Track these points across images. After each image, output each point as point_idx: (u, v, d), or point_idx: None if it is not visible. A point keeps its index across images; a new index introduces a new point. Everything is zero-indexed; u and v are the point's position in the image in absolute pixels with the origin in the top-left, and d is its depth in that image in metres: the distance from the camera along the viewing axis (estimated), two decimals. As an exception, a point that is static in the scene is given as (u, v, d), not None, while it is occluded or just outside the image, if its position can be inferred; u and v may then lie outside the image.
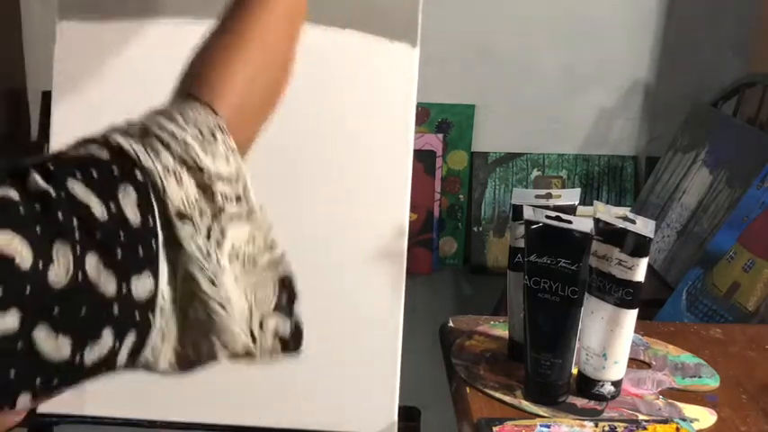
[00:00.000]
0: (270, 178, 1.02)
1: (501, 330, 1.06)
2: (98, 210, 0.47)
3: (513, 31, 2.41)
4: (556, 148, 2.52)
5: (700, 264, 1.68)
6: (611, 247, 0.89)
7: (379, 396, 1.01)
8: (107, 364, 0.48)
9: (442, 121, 2.50)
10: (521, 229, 0.94)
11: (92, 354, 0.47)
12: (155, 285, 0.49)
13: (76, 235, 0.45)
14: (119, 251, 0.47)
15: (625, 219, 0.89)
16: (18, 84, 2.19)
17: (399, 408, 1.01)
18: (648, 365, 1.01)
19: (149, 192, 0.50)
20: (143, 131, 0.52)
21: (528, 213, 0.90)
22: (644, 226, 0.88)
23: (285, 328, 0.57)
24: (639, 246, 0.87)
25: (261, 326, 0.55)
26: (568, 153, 2.52)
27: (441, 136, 2.50)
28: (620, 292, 0.89)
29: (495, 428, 0.85)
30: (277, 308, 0.56)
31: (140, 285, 0.48)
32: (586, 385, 0.93)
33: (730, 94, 2.16)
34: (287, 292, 0.57)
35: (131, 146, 0.51)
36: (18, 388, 0.44)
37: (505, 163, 2.53)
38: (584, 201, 1.07)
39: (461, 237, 2.56)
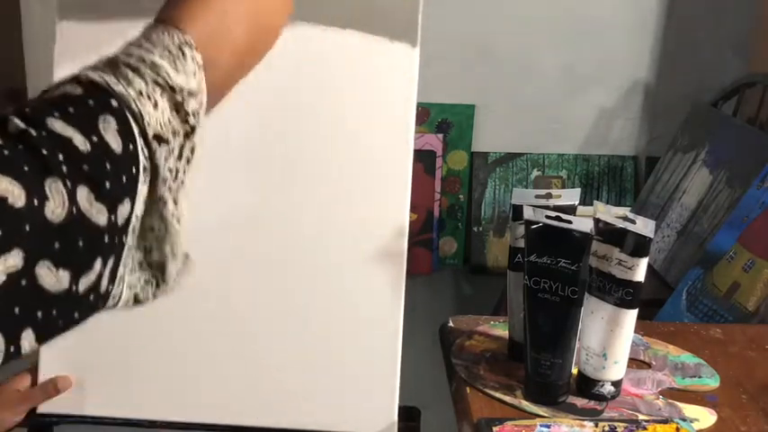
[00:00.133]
0: (270, 178, 1.02)
1: (501, 330, 1.06)
2: (81, 143, 0.47)
3: (513, 31, 2.41)
4: (556, 148, 2.52)
5: (700, 264, 1.68)
6: (611, 247, 0.89)
7: (379, 396, 1.01)
8: (94, 291, 0.49)
9: (442, 121, 2.50)
10: (521, 229, 0.94)
11: (85, 282, 0.48)
12: (131, 209, 0.50)
13: (64, 169, 0.46)
14: (107, 182, 0.48)
15: (625, 219, 0.89)
16: (18, 84, 2.19)
17: (399, 408, 1.01)
18: (648, 365, 1.01)
19: (127, 117, 0.51)
20: (111, 62, 0.53)
21: (528, 213, 0.90)
22: (644, 226, 0.88)
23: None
24: (639, 246, 0.87)
25: None
26: (568, 153, 2.52)
27: (441, 136, 2.50)
28: (620, 292, 0.89)
29: (495, 428, 0.85)
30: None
31: (121, 211, 0.50)
32: (586, 385, 0.93)
33: (730, 94, 2.16)
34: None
35: (102, 77, 0.51)
36: (22, 324, 0.44)
37: (505, 163, 2.53)
38: (585, 201, 1.07)
39: (461, 237, 2.56)
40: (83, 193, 0.46)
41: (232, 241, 1.02)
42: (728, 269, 1.60)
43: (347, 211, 1.01)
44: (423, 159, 2.46)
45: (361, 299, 1.01)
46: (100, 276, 0.49)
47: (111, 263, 0.50)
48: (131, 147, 0.50)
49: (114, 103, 0.50)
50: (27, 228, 0.43)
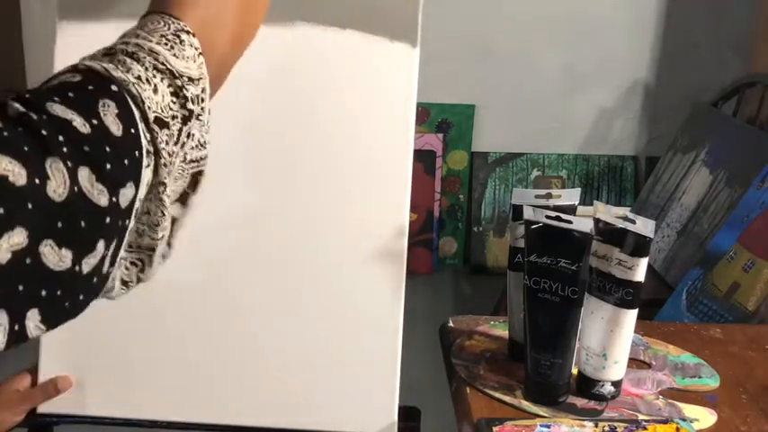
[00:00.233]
0: (270, 178, 1.02)
1: (501, 330, 1.06)
2: (81, 125, 0.48)
3: (513, 30, 2.41)
4: (556, 148, 2.52)
5: (700, 264, 1.68)
6: (611, 247, 0.89)
7: (379, 396, 1.01)
8: (97, 273, 0.49)
9: (442, 121, 2.50)
10: (521, 229, 0.94)
11: (88, 263, 0.48)
12: (135, 193, 0.51)
13: (65, 150, 0.46)
14: (107, 164, 0.48)
15: (625, 219, 0.89)
16: (18, 84, 2.19)
17: (399, 408, 1.01)
18: (648, 365, 1.01)
19: (128, 102, 0.51)
20: (109, 51, 0.54)
21: (528, 213, 0.90)
22: (644, 226, 0.88)
23: (178, 213, 0.59)
24: (639, 246, 0.87)
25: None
26: (568, 153, 2.52)
27: (441, 136, 2.50)
28: (620, 292, 0.89)
29: (495, 428, 0.85)
30: (179, 198, 0.58)
31: (125, 195, 0.50)
32: (586, 385, 0.93)
33: (730, 94, 2.16)
34: (193, 186, 0.58)
35: (100, 65, 0.51)
36: (27, 302, 0.45)
37: (505, 163, 2.53)
38: (584, 201, 1.07)
39: (461, 237, 2.56)
40: (84, 174, 0.47)
41: (231, 241, 1.02)
42: (728, 269, 1.60)
43: (347, 211, 1.01)
44: (423, 159, 2.46)
45: (361, 299, 1.01)
46: (103, 258, 0.49)
47: (113, 245, 0.50)
48: (132, 130, 0.50)
49: (114, 87, 0.51)
50: (29, 206, 0.43)
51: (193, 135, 0.55)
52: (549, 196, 0.97)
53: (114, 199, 0.49)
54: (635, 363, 1.00)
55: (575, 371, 0.94)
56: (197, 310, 1.03)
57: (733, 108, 2.13)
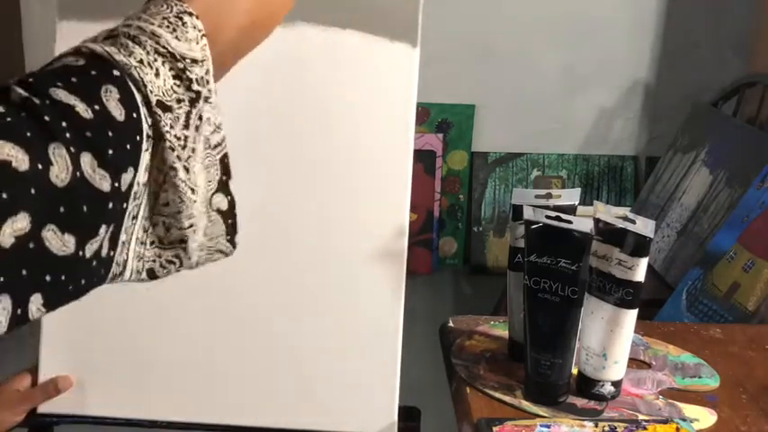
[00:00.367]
0: (270, 178, 1.02)
1: (501, 330, 1.06)
2: (83, 111, 0.48)
3: (513, 31, 2.41)
4: (556, 148, 2.52)
5: (700, 264, 1.68)
6: (611, 247, 0.89)
7: (379, 396, 1.01)
8: (97, 258, 0.49)
9: (442, 121, 2.50)
10: (521, 229, 0.94)
11: (91, 248, 0.48)
12: (134, 176, 0.51)
13: (68, 135, 0.46)
14: (110, 149, 0.48)
15: (625, 219, 0.89)
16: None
17: (399, 408, 1.01)
18: (648, 365, 1.01)
19: (129, 86, 0.51)
20: (111, 34, 0.54)
21: (528, 213, 0.90)
22: (644, 226, 0.88)
23: (224, 204, 0.59)
24: (639, 246, 0.87)
25: (210, 203, 0.57)
26: (568, 153, 2.52)
27: (441, 136, 2.50)
28: (620, 292, 0.89)
29: (495, 428, 0.85)
30: (219, 186, 0.58)
31: (125, 178, 0.50)
32: (586, 385, 0.93)
33: (730, 94, 2.16)
34: (225, 170, 0.58)
35: (103, 48, 0.52)
36: (30, 287, 0.45)
37: (505, 163, 2.53)
38: (584, 201, 1.07)
39: (461, 237, 2.56)
40: (86, 160, 0.47)
41: (232, 241, 1.02)
42: (728, 269, 1.60)
43: (347, 211, 1.01)
44: (423, 159, 2.46)
45: (362, 299, 1.01)
46: (101, 241, 0.49)
47: (111, 227, 0.50)
48: (134, 115, 0.51)
49: (116, 72, 0.51)
50: (32, 191, 0.44)
51: (208, 119, 0.55)
52: (549, 196, 0.97)
53: (116, 184, 0.49)
54: (635, 363, 1.00)
55: (575, 371, 0.94)
56: (196, 311, 1.03)
57: (733, 108, 2.13)
